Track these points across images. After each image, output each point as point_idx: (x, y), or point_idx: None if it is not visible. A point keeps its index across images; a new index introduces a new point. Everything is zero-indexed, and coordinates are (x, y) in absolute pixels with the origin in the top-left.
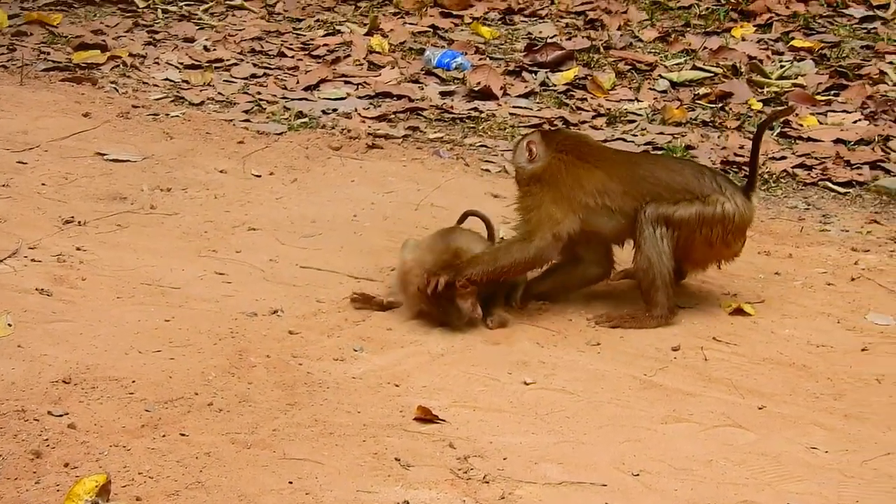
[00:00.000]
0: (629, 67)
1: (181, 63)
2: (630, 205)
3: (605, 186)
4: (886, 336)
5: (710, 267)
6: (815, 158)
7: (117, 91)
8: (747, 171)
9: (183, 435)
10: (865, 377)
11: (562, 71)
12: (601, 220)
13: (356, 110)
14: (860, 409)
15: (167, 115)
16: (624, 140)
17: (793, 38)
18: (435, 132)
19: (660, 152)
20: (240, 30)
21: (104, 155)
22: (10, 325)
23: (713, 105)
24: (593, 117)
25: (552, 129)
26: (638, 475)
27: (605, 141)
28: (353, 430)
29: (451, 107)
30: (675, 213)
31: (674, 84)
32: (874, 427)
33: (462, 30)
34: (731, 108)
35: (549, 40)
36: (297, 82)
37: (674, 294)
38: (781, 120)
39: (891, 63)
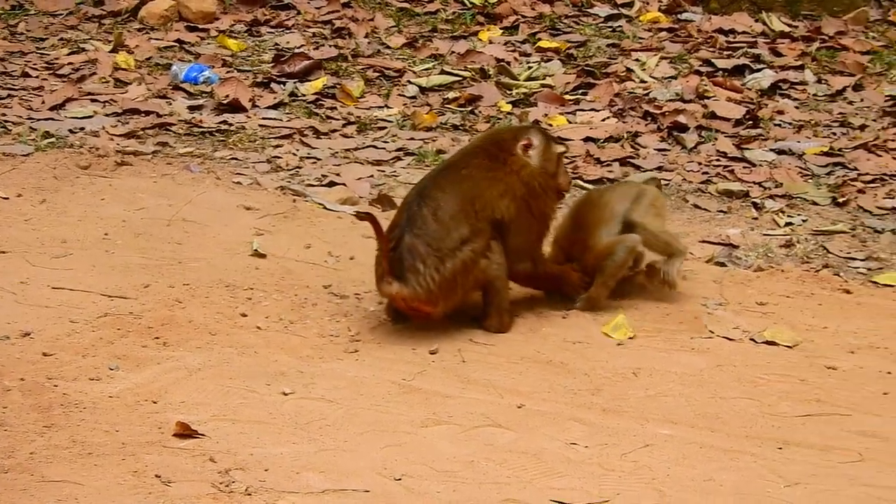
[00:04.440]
0: (378, 74)
1: None
2: None
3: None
4: (640, 330)
5: None
6: (566, 157)
7: None
8: None
9: None
10: (622, 371)
11: (310, 81)
12: None
13: (104, 128)
14: (618, 403)
15: None
16: (375, 147)
17: (539, 39)
18: (185, 147)
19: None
20: None
21: None
22: None
23: (463, 109)
24: (344, 125)
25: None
26: (400, 479)
27: (356, 149)
28: (112, 449)
29: (201, 121)
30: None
31: (423, 89)
32: (632, 420)
33: (208, 43)
34: (480, 111)
35: (296, 50)
36: (43, 102)
37: None
38: (532, 120)
39: (637, 60)
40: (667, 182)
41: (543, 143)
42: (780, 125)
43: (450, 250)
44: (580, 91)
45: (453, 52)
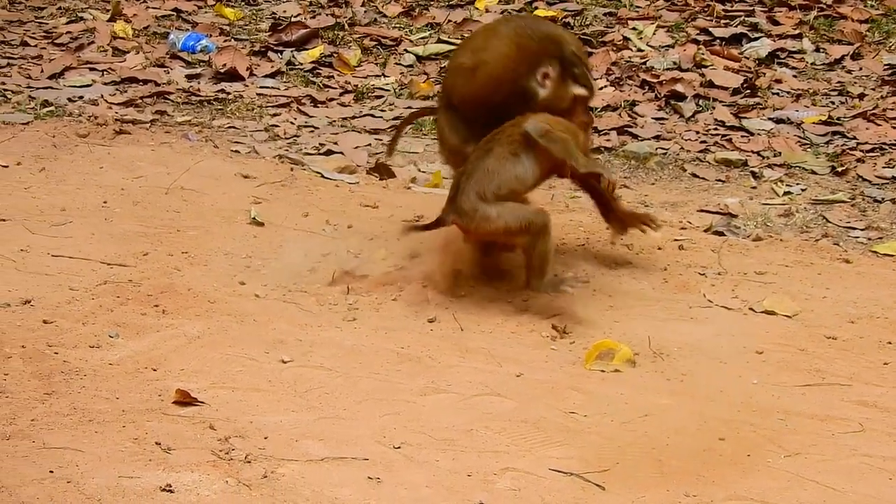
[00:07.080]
0: (375, 43)
1: None
2: None
3: None
4: (638, 299)
5: None
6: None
7: None
8: None
9: None
10: (621, 340)
11: (307, 49)
12: None
13: (102, 97)
14: (617, 373)
15: None
16: (372, 116)
17: (536, 8)
18: (183, 115)
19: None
20: None
21: None
22: None
23: None
24: (341, 94)
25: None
26: (399, 447)
27: (354, 118)
28: (113, 416)
29: (198, 89)
30: None
31: (419, 58)
32: (631, 389)
33: (206, 12)
34: None
35: (293, 19)
36: (42, 71)
37: None
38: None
39: (634, 29)
40: (664, 151)
41: (558, 78)
42: (778, 94)
43: None
44: None
45: (450, 20)
